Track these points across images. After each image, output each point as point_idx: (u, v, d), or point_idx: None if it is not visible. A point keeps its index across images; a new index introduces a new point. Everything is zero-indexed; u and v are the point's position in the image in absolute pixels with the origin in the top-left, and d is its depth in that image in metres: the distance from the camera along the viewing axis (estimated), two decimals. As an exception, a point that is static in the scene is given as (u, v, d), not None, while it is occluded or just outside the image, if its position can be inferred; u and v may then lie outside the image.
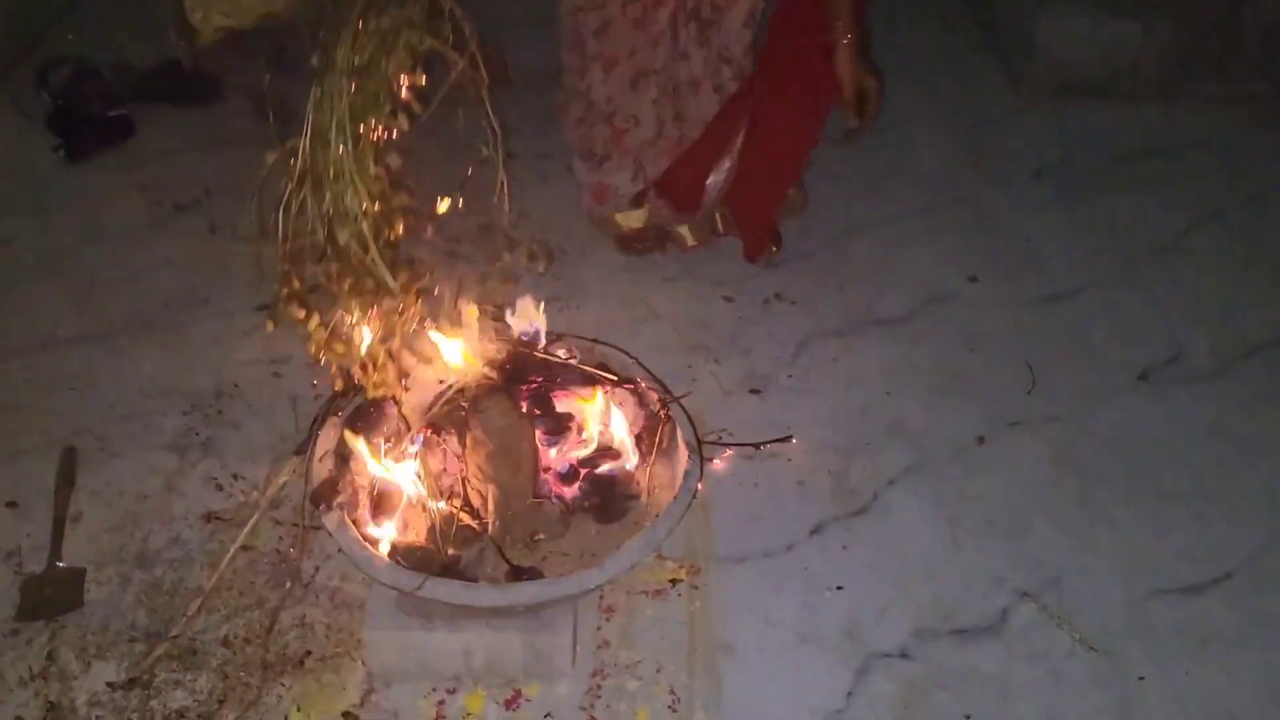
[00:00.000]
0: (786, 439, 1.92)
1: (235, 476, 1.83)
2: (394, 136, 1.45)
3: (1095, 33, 2.90)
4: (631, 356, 1.85)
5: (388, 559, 1.46)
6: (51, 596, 1.61)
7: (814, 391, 2.05)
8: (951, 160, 2.72)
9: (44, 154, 2.58)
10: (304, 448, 1.76)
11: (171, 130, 2.71)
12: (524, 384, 1.70)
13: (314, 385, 1.99)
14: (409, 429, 1.59)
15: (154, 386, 2.01)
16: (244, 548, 1.68)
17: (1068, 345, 2.17)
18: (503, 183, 1.67)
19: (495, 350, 1.70)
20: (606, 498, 1.62)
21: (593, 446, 1.66)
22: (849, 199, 2.54)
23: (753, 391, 2.06)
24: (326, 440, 1.69)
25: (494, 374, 1.64)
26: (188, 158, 2.62)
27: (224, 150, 2.66)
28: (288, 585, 1.63)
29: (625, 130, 2.20)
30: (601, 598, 1.64)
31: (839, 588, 1.70)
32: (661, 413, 1.75)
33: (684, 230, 2.38)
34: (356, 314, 1.45)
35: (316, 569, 1.68)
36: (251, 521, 1.69)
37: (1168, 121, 2.87)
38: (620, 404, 1.74)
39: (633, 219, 2.39)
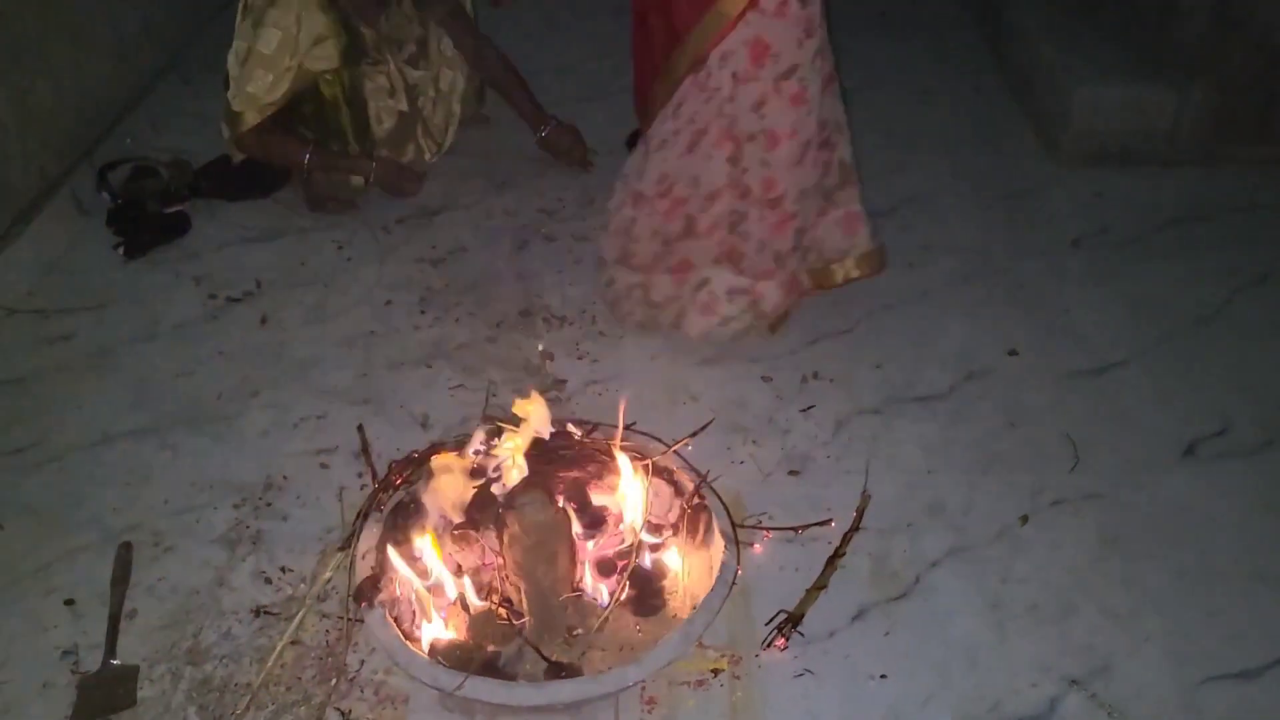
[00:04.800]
0: (826, 522, 1.92)
1: (283, 570, 1.87)
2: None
3: (1130, 100, 2.91)
4: (664, 443, 1.88)
5: (429, 657, 1.48)
6: (106, 696, 1.65)
7: (853, 471, 2.05)
8: (987, 231, 2.72)
9: (103, 251, 2.68)
10: (348, 542, 1.80)
11: (225, 224, 2.81)
12: (559, 474, 1.73)
13: (359, 476, 2.04)
14: (448, 526, 1.63)
15: (205, 480, 2.06)
16: (291, 642, 1.71)
17: (1111, 419, 2.15)
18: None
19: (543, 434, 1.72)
20: (644, 590, 1.63)
21: (629, 538, 1.68)
22: (885, 273, 2.55)
23: (791, 473, 2.06)
24: (369, 536, 1.73)
25: (529, 464, 1.67)
26: (241, 250, 2.72)
27: (275, 241, 2.75)
28: (334, 681, 1.66)
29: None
30: (643, 689, 1.64)
31: (882, 676, 1.69)
32: (697, 500, 1.76)
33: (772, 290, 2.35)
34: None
35: (361, 662, 1.70)
36: (299, 616, 1.73)
37: (1207, 186, 2.86)
38: (656, 493, 1.76)
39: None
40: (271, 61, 2.61)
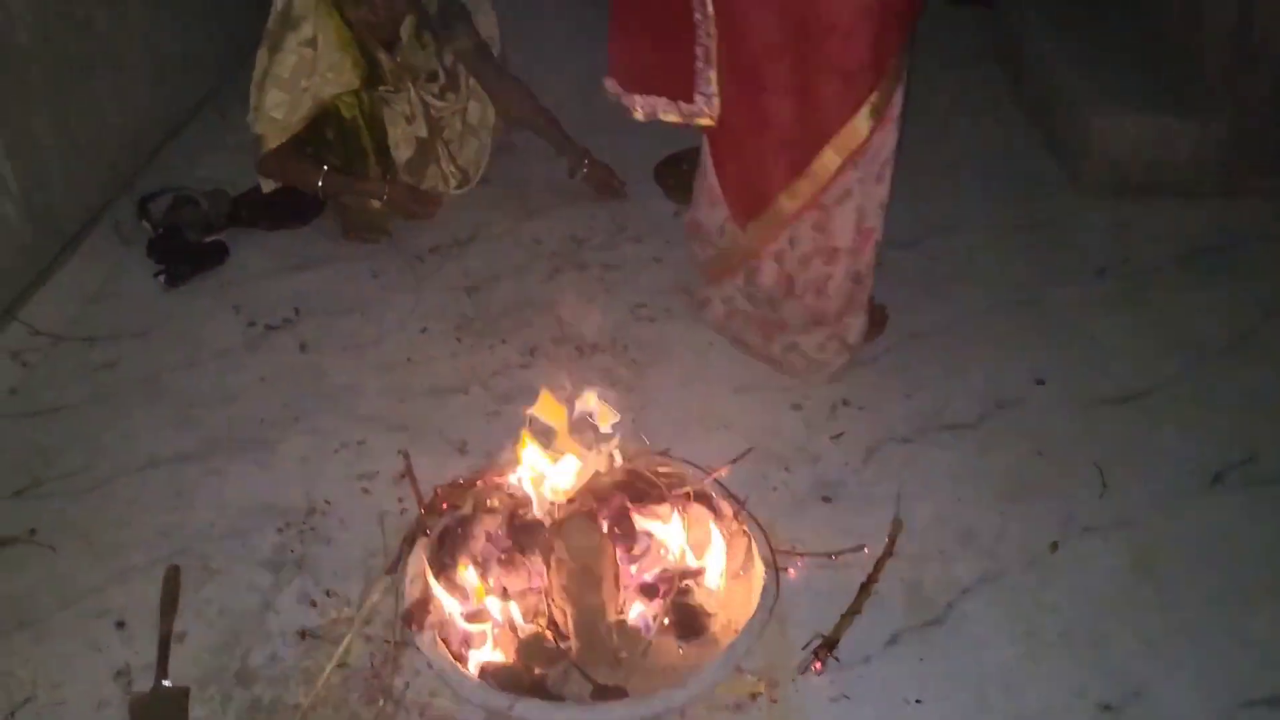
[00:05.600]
0: (859, 549, 1.95)
1: (328, 593, 1.91)
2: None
3: (1150, 130, 2.95)
4: (703, 469, 1.92)
5: (478, 679, 1.52)
6: (159, 717, 1.68)
7: (885, 499, 2.08)
8: (1013, 261, 2.76)
9: (145, 280, 2.74)
10: (394, 566, 1.84)
11: (263, 253, 2.87)
12: (604, 501, 1.77)
13: (400, 501, 2.08)
14: (496, 550, 1.66)
15: (249, 504, 2.11)
16: (338, 665, 1.75)
17: (1139, 448, 2.18)
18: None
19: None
20: (686, 614, 1.66)
21: (671, 563, 1.71)
22: (913, 303, 2.59)
23: (824, 500, 2.10)
24: (416, 560, 1.77)
25: (573, 495, 1.71)
26: (279, 279, 2.77)
27: (312, 270, 2.81)
28: (380, 703, 1.69)
29: None
30: (683, 713, 1.67)
31: (918, 701, 1.71)
32: (737, 525, 1.80)
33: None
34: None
35: (407, 684, 1.73)
36: (346, 640, 1.76)
37: (1229, 216, 2.89)
38: (695, 518, 1.80)
39: None
40: (288, 84, 2.68)
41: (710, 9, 2.09)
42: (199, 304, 2.69)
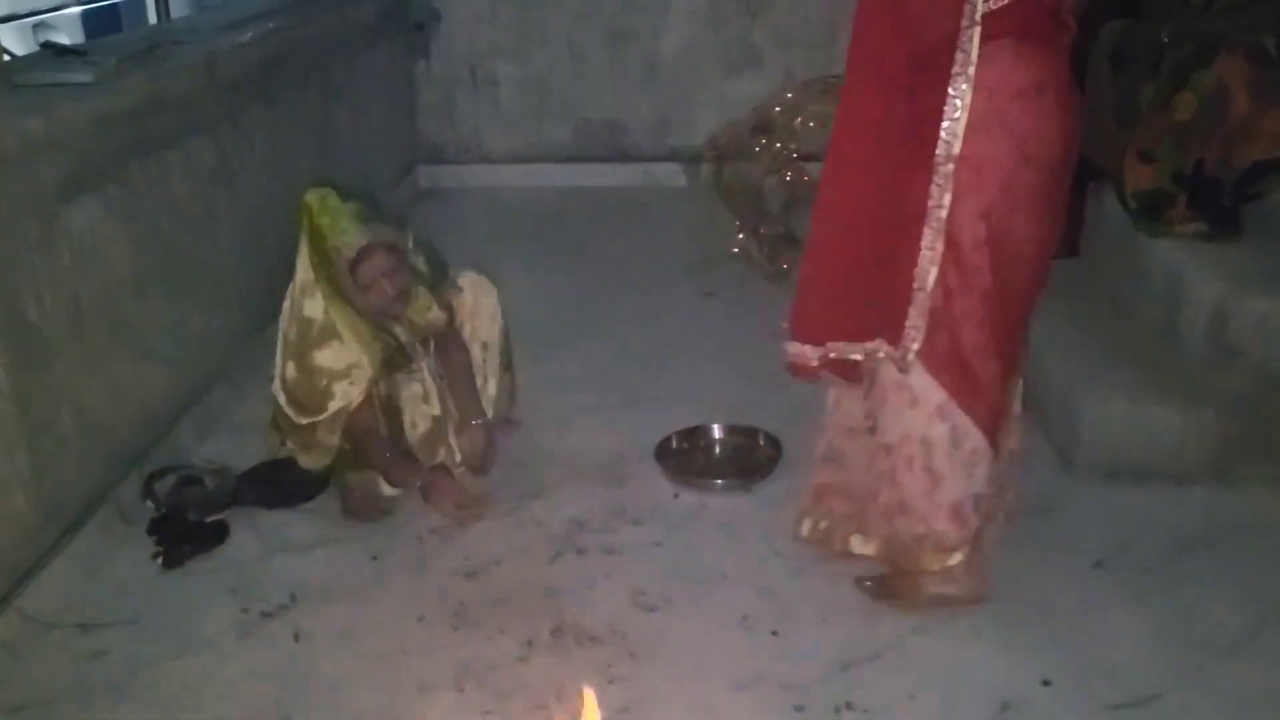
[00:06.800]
0: None
1: None
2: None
3: (1136, 419, 3.03)
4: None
5: None
6: None
7: (894, 816, 2.01)
8: (1013, 552, 2.75)
9: (142, 562, 2.74)
10: None
11: (262, 533, 2.88)
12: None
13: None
14: None
15: (231, 816, 2.02)
16: None
17: (1152, 760, 2.12)
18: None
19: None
20: None
21: None
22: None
23: (829, 818, 2.02)
24: None
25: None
26: (276, 561, 2.77)
27: (310, 552, 2.81)
28: None
29: None
30: None
31: None
32: None
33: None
34: None
35: None
36: None
37: (1221, 504, 2.92)
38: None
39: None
40: (341, 374, 2.80)
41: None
42: (193, 587, 2.67)
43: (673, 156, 5.72)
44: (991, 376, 2.39)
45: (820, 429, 2.73)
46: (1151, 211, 3.30)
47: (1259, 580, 2.63)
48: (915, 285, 2.33)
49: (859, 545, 2.68)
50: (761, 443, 3.24)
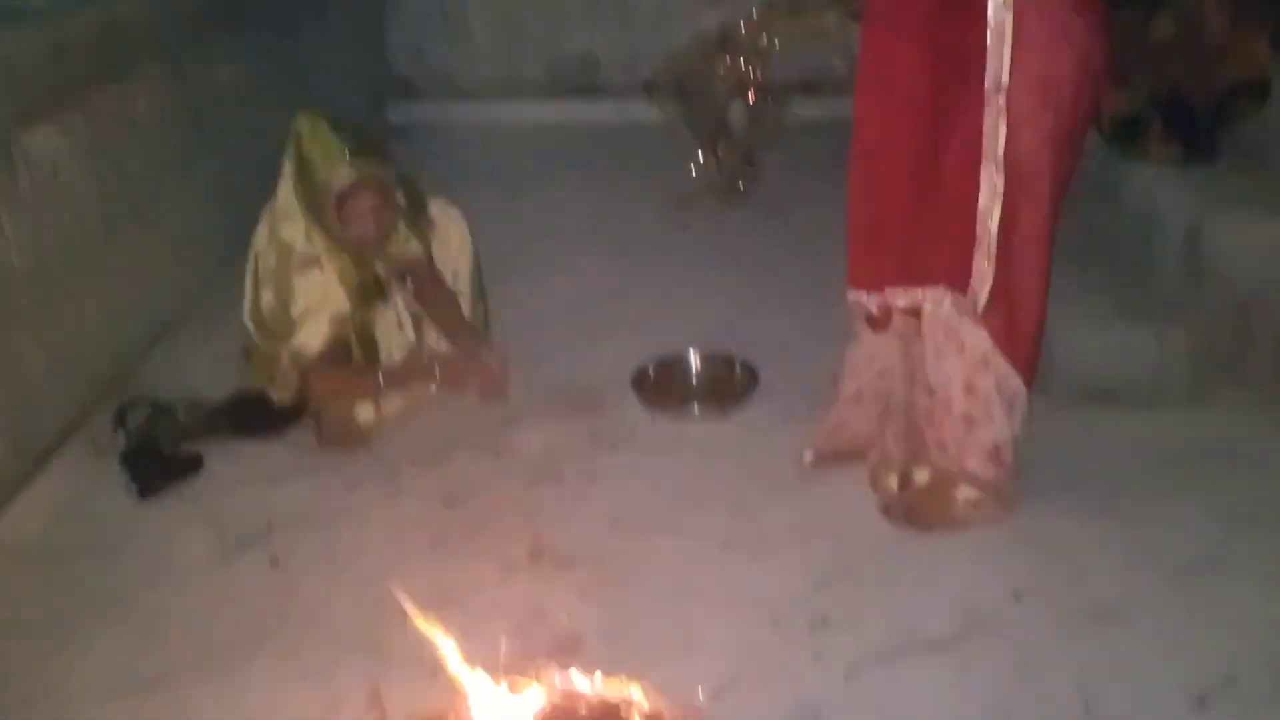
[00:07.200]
0: (843, 782, 1.90)
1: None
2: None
3: (1110, 345, 3.05)
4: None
5: None
6: None
7: (867, 724, 2.04)
8: (985, 473, 2.79)
9: (117, 493, 2.72)
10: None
11: (237, 464, 2.87)
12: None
13: (369, 731, 2.02)
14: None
15: (214, 734, 2.03)
16: None
17: (1119, 669, 2.15)
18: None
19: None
20: None
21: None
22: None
23: (804, 726, 2.05)
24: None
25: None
26: (252, 490, 2.76)
27: (286, 481, 2.80)
28: None
29: None
30: None
31: None
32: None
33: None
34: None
35: None
36: None
37: (1195, 427, 2.94)
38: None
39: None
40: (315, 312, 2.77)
41: None
42: (169, 518, 2.66)
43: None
44: (1034, 318, 2.39)
45: (848, 370, 2.71)
46: (1128, 137, 3.30)
47: (1231, 498, 2.65)
48: (978, 228, 2.26)
49: (895, 482, 2.68)
50: (738, 371, 3.24)
